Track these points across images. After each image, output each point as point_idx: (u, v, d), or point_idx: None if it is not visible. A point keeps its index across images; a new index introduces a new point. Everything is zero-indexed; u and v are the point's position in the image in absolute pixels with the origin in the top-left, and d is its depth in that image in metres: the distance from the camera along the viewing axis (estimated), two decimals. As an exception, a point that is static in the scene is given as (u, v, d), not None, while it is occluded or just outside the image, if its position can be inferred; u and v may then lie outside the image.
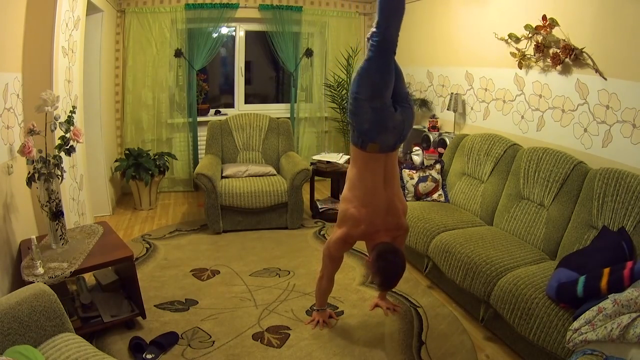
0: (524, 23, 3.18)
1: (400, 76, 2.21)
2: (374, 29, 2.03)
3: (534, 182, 2.92)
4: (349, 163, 4.44)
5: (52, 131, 2.35)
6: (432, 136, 4.19)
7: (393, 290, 2.96)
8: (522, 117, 3.39)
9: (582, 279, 1.99)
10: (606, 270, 1.96)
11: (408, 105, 2.21)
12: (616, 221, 2.36)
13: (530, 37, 3.18)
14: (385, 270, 2.12)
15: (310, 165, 4.29)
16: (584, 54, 2.78)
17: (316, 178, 4.50)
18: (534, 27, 3.11)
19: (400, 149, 4.53)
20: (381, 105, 2.08)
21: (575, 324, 1.82)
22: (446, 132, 4.19)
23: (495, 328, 2.50)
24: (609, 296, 1.81)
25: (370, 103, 2.07)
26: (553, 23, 2.96)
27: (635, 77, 2.50)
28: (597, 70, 2.72)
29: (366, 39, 2.18)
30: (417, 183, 3.61)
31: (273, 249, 3.63)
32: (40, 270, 2.12)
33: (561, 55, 2.92)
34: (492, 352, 2.40)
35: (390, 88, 2.10)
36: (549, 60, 3.05)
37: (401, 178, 3.69)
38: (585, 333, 1.76)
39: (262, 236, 3.90)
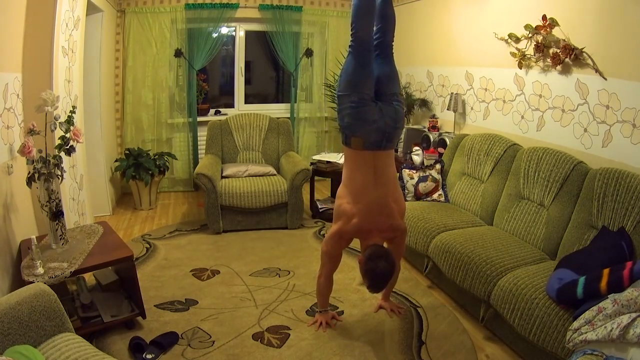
0: (524, 23, 3.18)
1: (392, 77, 2.33)
2: (351, 32, 2.23)
3: (534, 182, 2.92)
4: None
5: (52, 131, 2.35)
6: (432, 136, 4.19)
7: (393, 290, 2.96)
8: (522, 117, 3.39)
9: (581, 280, 1.98)
10: (606, 271, 1.96)
11: (391, 103, 2.26)
12: (616, 221, 2.36)
13: (530, 37, 3.18)
14: (373, 273, 2.12)
15: (310, 165, 4.29)
16: (584, 54, 2.78)
17: (316, 178, 4.50)
18: (534, 27, 3.11)
19: (401, 149, 4.53)
20: (359, 100, 2.19)
21: (575, 324, 1.82)
22: (446, 132, 4.19)
23: (495, 328, 2.50)
24: (608, 296, 1.82)
25: (349, 98, 2.21)
26: (553, 23, 2.96)
27: (635, 77, 2.50)
28: (597, 70, 2.72)
29: None
30: (417, 183, 3.61)
31: (273, 249, 3.63)
32: (40, 270, 2.12)
33: (561, 55, 2.92)
34: (492, 352, 2.40)
35: (367, 84, 2.22)
36: (549, 60, 3.05)
37: (401, 178, 3.69)
38: (585, 333, 1.76)
39: (262, 236, 3.90)
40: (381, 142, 2.23)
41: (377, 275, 2.12)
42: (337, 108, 2.32)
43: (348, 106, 2.21)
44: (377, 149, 2.24)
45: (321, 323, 2.56)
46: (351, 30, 2.22)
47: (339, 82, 2.29)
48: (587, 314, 1.80)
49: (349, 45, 2.24)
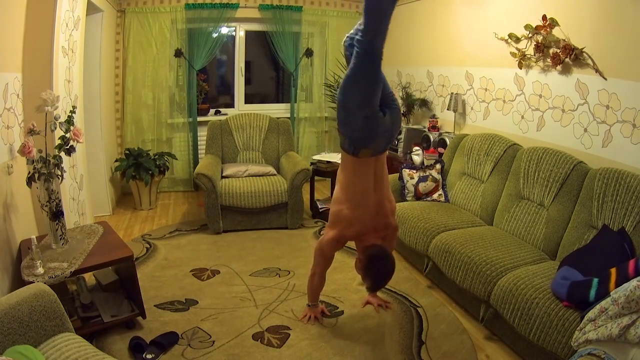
0: (524, 23, 3.18)
1: (384, 79, 2.12)
2: (359, 37, 1.91)
3: (534, 182, 2.92)
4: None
5: (52, 131, 2.34)
6: (432, 136, 4.18)
7: (393, 290, 2.96)
8: (522, 117, 3.39)
9: (595, 282, 1.97)
10: (613, 271, 1.95)
11: (395, 105, 2.17)
12: (616, 221, 2.36)
13: (530, 37, 3.18)
14: (377, 274, 2.16)
15: (310, 165, 4.29)
16: (584, 54, 2.78)
17: (316, 178, 4.50)
18: (534, 27, 3.11)
19: (401, 149, 4.53)
20: (371, 113, 2.04)
21: (582, 325, 1.83)
22: (446, 132, 4.19)
23: (495, 328, 2.50)
24: (611, 293, 1.81)
25: (361, 112, 2.03)
26: (553, 23, 2.96)
27: (635, 77, 2.50)
28: (597, 70, 2.72)
29: (344, 42, 2.13)
30: (417, 183, 3.61)
31: (273, 249, 3.63)
32: (40, 270, 2.12)
33: (561, 55, 2.92)
34: (492, 352, 2.40)
35: (378, 95, 2.04)
36: (549, 60, 3.05)
37: (401, 178, 3.69)
38: (588, 332, 1.76)
39: (262, 236, 3.90)
40: (386, 147, 2.23)
41: (382, 275, 2.15)
42: (343, 119, 2.10)
43: (359, 120, 2.03)
44: (380, 153, 2.23)
45: (310, 317, 2.60)
46: (363, 35, 1.88)
47: (343, 92, 2.04)
48: (590, 314, 1.81)
49: (358, 53, 1.91)
